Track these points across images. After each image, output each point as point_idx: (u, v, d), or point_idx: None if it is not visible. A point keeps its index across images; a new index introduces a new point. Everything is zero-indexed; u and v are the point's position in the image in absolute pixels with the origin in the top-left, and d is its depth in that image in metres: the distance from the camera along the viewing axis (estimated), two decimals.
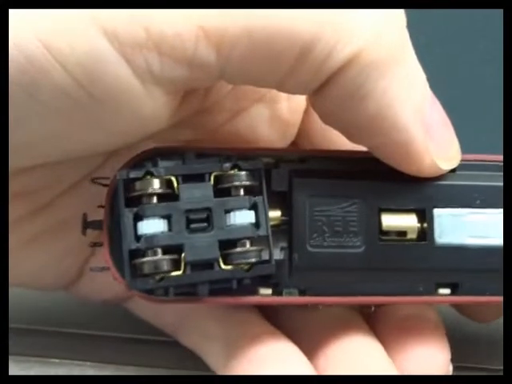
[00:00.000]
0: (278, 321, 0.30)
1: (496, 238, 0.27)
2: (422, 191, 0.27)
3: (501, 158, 0.28)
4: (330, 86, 0.25)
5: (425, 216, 0.27)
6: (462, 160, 0.28)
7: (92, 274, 0.29)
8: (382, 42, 0.25)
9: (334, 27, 0.24)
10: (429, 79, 0.27)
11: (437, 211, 0.27)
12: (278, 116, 0.31)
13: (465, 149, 0.28)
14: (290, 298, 0.27)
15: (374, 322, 0.30)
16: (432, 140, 0.27)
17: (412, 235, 0.27)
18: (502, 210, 0.27)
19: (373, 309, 0.29)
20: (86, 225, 0.27)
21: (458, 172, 0.28)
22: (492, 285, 0.27)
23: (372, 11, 0.25)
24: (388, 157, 0.27)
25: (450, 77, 0.59)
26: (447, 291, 0.28)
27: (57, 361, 0.33)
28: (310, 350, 0.28)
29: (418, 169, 0.27)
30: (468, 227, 0.27)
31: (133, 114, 0.25)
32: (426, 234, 0.27)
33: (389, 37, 0.25)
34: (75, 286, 0.33)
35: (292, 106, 0.31)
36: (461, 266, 0.27)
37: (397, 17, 0.26)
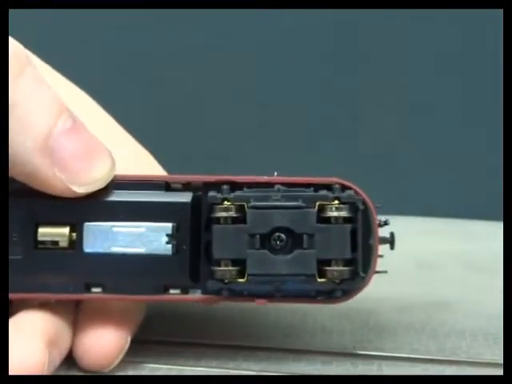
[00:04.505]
0: None
1: (137, 248, 0.32)
2: (76, 207, 0.32)
3: (199, 178, 0.33)
4: None
5: (76, 228, 0.32)
6: (122, 179, 0.33)
7: None
8: None
9: None
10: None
11: (87, 224, 0.32)
12: None
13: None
14: None
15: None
16: (62, 170, 0.31)
17: (64, 244, 0.32)
18: (143, 224, 0.32)
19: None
20: None
21: (113, 190, 0.33)
22: (132, 285, 0.32)
23: None
24: (28, 183, 0.32)
25: (449, 76, 0.59)
26: (98, 290, 0.33)
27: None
28: None
29: (55, 192, 0.32)
30: (113, 238, 0.32)
31: None
32: (76, 243, 0.32)
33: None
34: None
35: None
36: (108, 270, 0.32)
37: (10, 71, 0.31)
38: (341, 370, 0.34)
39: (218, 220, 0.32)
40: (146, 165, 0.38)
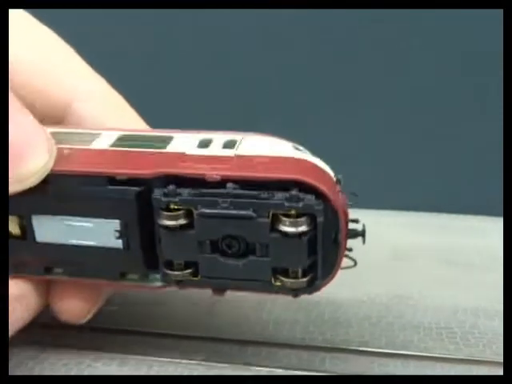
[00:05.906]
0: None
1: (88, 241, 0.31)
2: (25, 201, 0.31)
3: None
4: None
5: (25, 219, 0.32)
6: (65, 171, 0.30)
7: None
8: None
9: None
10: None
11: (35, 216, 0.31)
12: None
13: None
14: None
15: None
16: None
17: (17, 234, 0.32)
18: (94, 220, 0.31)
19: None
20: None
21: (54, 184, 0.30)
22: (89, 271, 0.32)
23: None
24: None
25: (449, 77, 0.58)
26: (60, 270, 0.33)
27: None
28: None
29: None
30: (63, 230, 0.31)
31: None
32: (27, 233, 0.32)
33: None
34: None
35: None
36: (63, 257, 0.32)
37: None
38: (284, 362, 0.34)
39: (165, 227, 0.29)
40: (117, 106, 0.36)
